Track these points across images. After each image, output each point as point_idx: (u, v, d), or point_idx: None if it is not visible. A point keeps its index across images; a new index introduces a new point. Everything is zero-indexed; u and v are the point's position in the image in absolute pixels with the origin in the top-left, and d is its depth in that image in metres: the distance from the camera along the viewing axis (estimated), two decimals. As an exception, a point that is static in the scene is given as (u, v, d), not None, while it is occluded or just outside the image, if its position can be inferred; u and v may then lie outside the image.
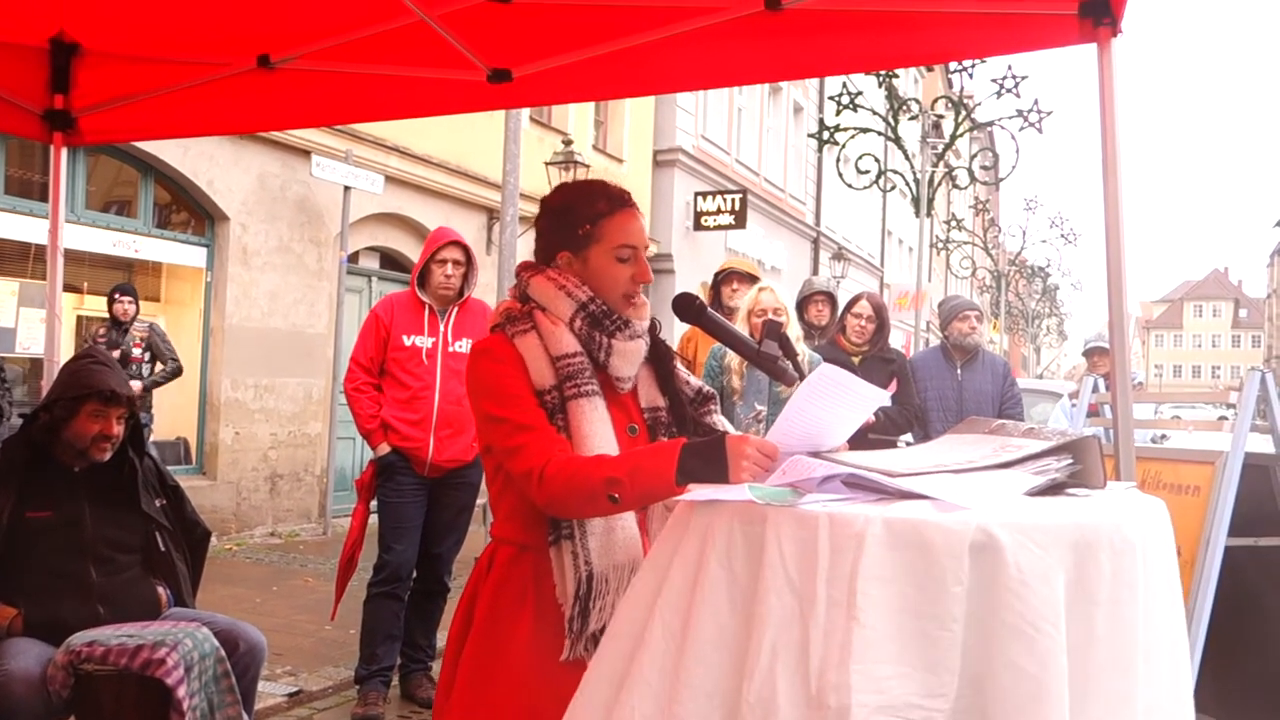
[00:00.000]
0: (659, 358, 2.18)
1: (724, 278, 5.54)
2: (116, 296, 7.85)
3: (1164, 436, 6.89)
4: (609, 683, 1.57)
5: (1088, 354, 8.29)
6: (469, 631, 2.06)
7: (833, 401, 1.72)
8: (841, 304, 5.84)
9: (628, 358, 2.08)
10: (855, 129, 13.98)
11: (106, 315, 7.98)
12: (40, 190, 7.85)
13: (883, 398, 1.81)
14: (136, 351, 7.88)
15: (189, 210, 9.10)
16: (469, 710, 2.01)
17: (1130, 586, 1.38)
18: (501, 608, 2.02)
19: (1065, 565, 1.33)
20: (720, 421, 2.24)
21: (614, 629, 1.66)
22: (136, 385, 7.78)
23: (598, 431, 1.97)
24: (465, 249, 4.59)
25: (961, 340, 5.98)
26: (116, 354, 7.78)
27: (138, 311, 7.96)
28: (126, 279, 9.11)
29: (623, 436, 2.03)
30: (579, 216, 2.09)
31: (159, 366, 7.99)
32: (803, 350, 4.51)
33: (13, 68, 3.51)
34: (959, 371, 5.96)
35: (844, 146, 14.65)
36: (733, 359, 4.45)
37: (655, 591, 1.55)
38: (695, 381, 2.23)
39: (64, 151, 3.81)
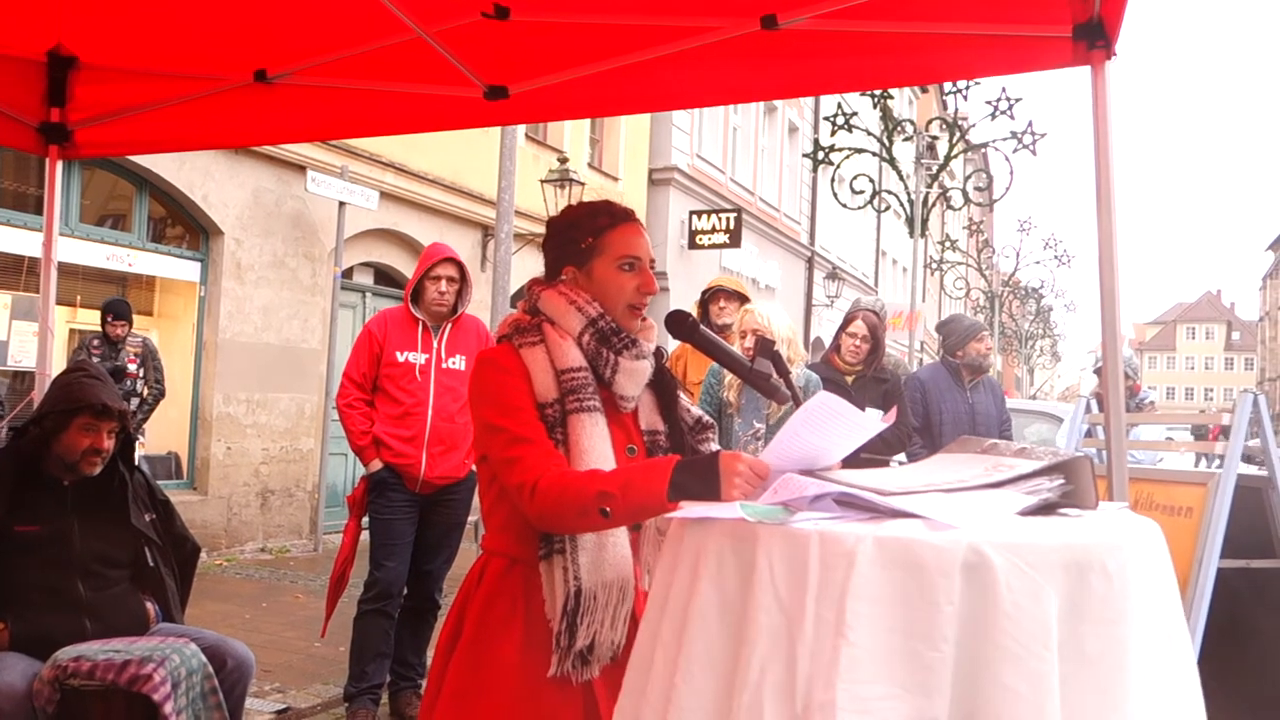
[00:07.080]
0: (663, 386, 2.18)
1: (711, 295, 5.54)
2: (109, 320, 7.84)
3: (1159, 459, 6.88)
4: (631, 703, 1.58)
5: (1099, 371, 8.27)
6: (457, 643, 2.05)
7: (828, 429, 1.71)
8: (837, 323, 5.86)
9: (633, 377, 2.08)
10: (850, 149, 14.02)
11: (99, 329, 7.98)
12: (35, 203, 7.85)
13: (880, 424, 1.79)
14: (131, 367, 7.87)
15: (183, 224, 9.10)
16: None
17: (1121, 608, 1.37)
18: (490, 621, 2.01)
19: (1056, 586, 1.32)
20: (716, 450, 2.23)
21: (635, 649, 1.65)
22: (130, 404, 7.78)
23: (596, 447, 1.97)
24: (460, 266, 4.60)
25: (980, 361, 5.96)
26: (109, 367, 7.79)
27: (129, 330, 7.97)
28: (120, 293, 9.09)
29: (621, 456, 2.02)
30: (582, 231, 2.12)
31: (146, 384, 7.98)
32: (798, 373, 4.51)
33: (10, 81, 3.51)
34: (969, 393, 5.94)
35: (839, 167, 14.71)
36: (733, 376, 4.44)
37: (659, 612, 1.55)
38: (695, 410, 2.23)
39: (59, 164, 3.81)
